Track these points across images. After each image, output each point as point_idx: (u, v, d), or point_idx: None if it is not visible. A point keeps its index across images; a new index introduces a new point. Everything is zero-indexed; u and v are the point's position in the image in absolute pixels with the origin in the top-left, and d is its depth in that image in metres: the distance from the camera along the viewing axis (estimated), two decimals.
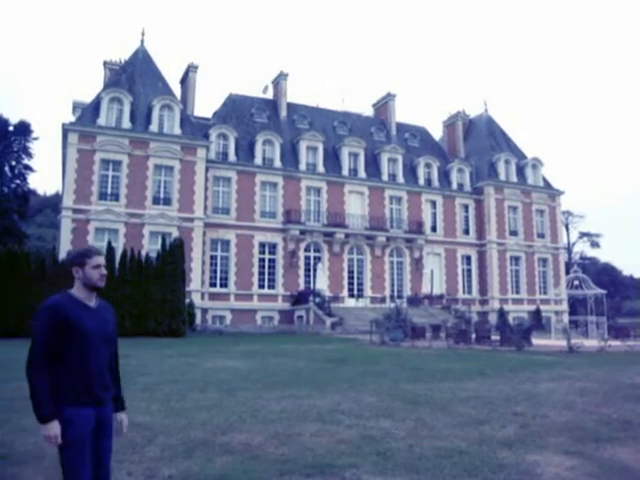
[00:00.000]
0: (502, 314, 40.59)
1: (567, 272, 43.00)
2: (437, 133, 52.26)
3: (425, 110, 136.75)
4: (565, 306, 45.36)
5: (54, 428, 3.08)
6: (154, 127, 35.01)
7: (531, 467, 5.60)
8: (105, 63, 40.98)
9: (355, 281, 40.27)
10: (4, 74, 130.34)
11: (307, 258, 39.02)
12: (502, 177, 46.10)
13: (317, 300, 34.97)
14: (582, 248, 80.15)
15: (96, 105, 34.43)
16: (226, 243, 36.94)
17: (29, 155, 52.86)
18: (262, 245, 37.90)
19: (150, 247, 31.91)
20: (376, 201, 41.94)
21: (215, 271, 36.38)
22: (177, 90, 41.27)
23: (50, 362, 3.19)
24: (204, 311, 34.50)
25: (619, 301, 71.52)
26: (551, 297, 44.87)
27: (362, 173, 42.04)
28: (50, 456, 5.81)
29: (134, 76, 37.07)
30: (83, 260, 3.56)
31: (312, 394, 10.04)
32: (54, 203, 65.40)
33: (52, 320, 3.26)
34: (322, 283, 37.24)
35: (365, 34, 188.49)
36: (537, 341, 23.85)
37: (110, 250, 27.82)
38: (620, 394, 10.25)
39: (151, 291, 26.87)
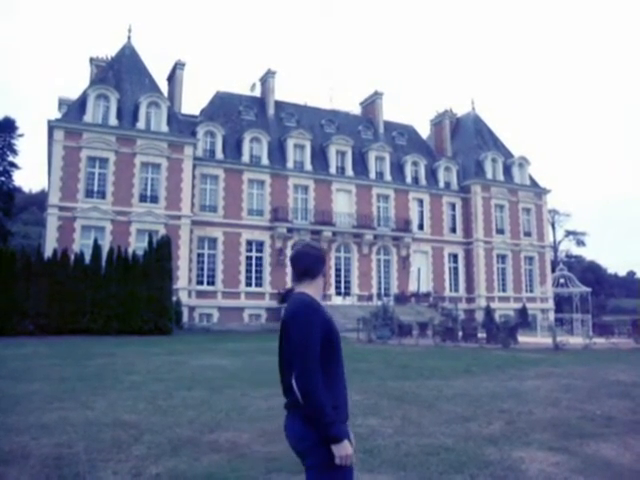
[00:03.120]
0: (488, 312, 40.75)
1: (553, 270, 43.40)
2: (424, 132, 52.37)
3: (413, 109, 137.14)
4: (551, 304, 45.71)
5: (349, 447, 2.73)
6: (141, 124, 34.79)
7: (516, 463, 5.66)
8: (91, 59, 40.64)
9: (342, 279, 40.28)
10: None
11: None
12: (489, 176, 46.29)
13: None
14: (568, 246, 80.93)
15: (82, 102, 34.16)
16: (213, 241, 36.83)
17: (14, 152, 52.32)
18: (249, 243, 37.83)
19: (137, 245, 31.74)
20: (363, 199, 41.97)
21: (202, 269, 36.26)
22: (164, 87, 41.06)
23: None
24: (191, 309, 34.39)
25: (604, 299, 72.12)
26: (537, 295, 45.17)
27: (349, 171, 42.05)
28: (36, 455, 5.79)
29: (121, 73, 36.80)
30: (325, 262, 3.19)
31: None
32: (40, 200, 64.85)
33: (321, 323, 2.87)
34: None
35: (354, 33, 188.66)
36: (523, 339, 24.02)
37: (96, 248, 27.65)
38: (604, 391, 10.36)
39: (138, 289, 26.73)
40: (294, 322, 2.86)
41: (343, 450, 2.69)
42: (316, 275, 3.10)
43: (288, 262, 38.07)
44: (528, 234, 46.93)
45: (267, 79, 44.02)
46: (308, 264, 3.09)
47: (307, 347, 2.77)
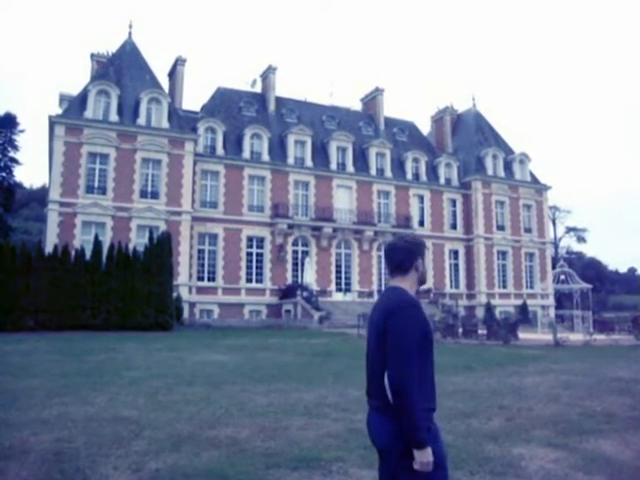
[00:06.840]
0: (489, 308, 40.81)
1: (553, 267, 43.26)
2: (425, 128, 52.29)
3: (413, 105, 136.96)
4: (551, 300, 45.69)
5: (430, 454, 2.62)
6: (142, 120, 34.75)
7: (516, 460, 5.66)
8: (92, 55, 40.62)
9: (343, 275, 40.27)
10: None
11: (295, 252, 38.97)
12: (490, 172, 46.23)
13: (305, 294, 34.95)
14: (568, 243, 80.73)
15: (83, 98, 34.12)
16: (214, 237, 36.82)
17: (15, 148, 52.27)
18: (250, 239, 37.81)
19: (137, 241, 31.74)
20: (364, 195, 41.93)
21: (203, 265, 36.27)
22: (165, 83, 41.01)
23: None
24: (192, 305, 34.41)
25: (604, 295, 72.10)
26: (538, 291, 45.11)
27: (350, 167, 41.99)
28: (36, 450, 5.79)
29: (122, 69, 36.74)
30: (423, 251, 3.03)
31: (299, 388, 10.06)
32: (40, 196, 64.81)
33: (421, 322, 2.77)
34: (310, 277, 37.24)
35: (354, 29, 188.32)
36: (523, 335, 23.99)
37: (97, 244, 27.64)
38: (604, 387, 10.35)
39: (138, 285, 26.71)
40: (395, 320, 2.74)
41: (425, 457, 2.61)
42: (408, 270, 2.95)
43: (289, 258, 38.24)
44: (529, 230, 46.92)
45: (268, 75, 43.95)
46: (400, 258, 2.96)
47: (405, 347, 2.66)
